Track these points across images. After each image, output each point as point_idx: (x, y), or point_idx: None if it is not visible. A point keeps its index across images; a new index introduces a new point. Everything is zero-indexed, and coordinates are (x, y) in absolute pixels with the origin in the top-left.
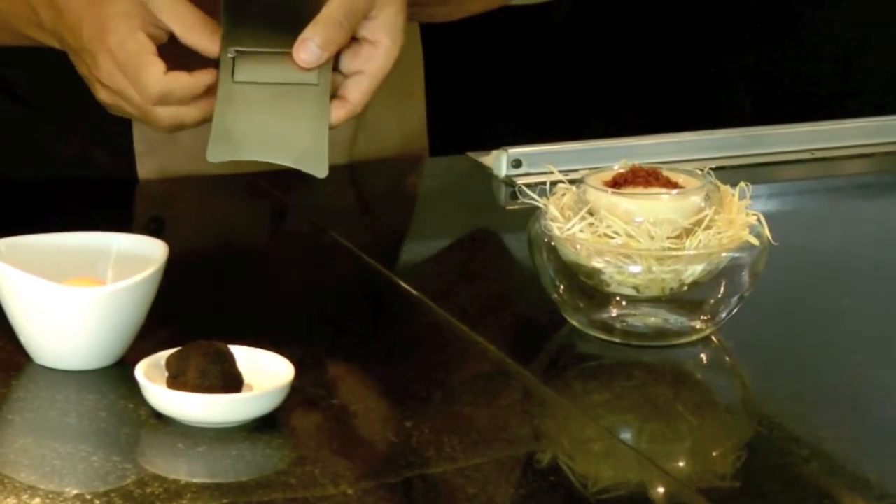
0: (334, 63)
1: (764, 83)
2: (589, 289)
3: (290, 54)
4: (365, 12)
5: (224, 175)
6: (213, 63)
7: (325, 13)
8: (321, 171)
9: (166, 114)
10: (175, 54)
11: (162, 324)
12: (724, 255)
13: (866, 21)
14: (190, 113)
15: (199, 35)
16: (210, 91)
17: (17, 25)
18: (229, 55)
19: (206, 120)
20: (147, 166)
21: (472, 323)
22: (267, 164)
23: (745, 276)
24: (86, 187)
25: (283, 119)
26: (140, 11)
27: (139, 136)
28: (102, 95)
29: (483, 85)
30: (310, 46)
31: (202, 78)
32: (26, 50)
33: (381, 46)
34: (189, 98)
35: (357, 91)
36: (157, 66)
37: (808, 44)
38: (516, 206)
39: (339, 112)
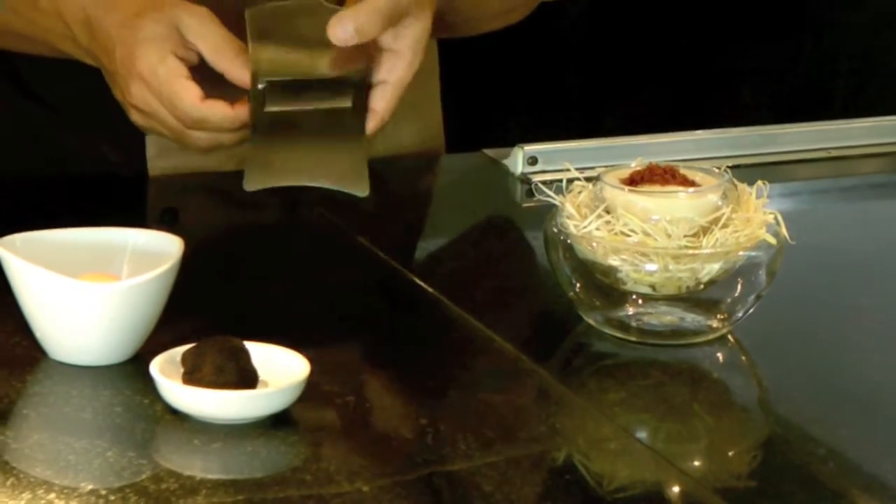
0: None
1: (780, 82)
2: (605, 287)
3: (321, 80)
4: (403, 16)
5: (237, 171)
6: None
7: (369, 4)
8: (363, 190)
9: (202, 136)
10: (210, 75)
11: (177, 319)
12: (740, 253)
13: (884, 20)
14: (227, 136)
15: (227, 60)
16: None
17: (54, 42)
18: (259, 86)
19: (244, 141)
20: (158, 169)
21: (487, 320)
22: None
23: (762, 275)
24: (98, 183)
25: (319, 142)
26: (170, 34)
27: (152, 139)
28: (136, 118)
29: (499, 82)
30: (346, 24)
31: (240, 112)
32: None
33: (404, 57)
34: (226, 128)
35: (382, 100)
36: (190, 90)
37: (826, 42)
38: (532, 204)
39: (368, 123)
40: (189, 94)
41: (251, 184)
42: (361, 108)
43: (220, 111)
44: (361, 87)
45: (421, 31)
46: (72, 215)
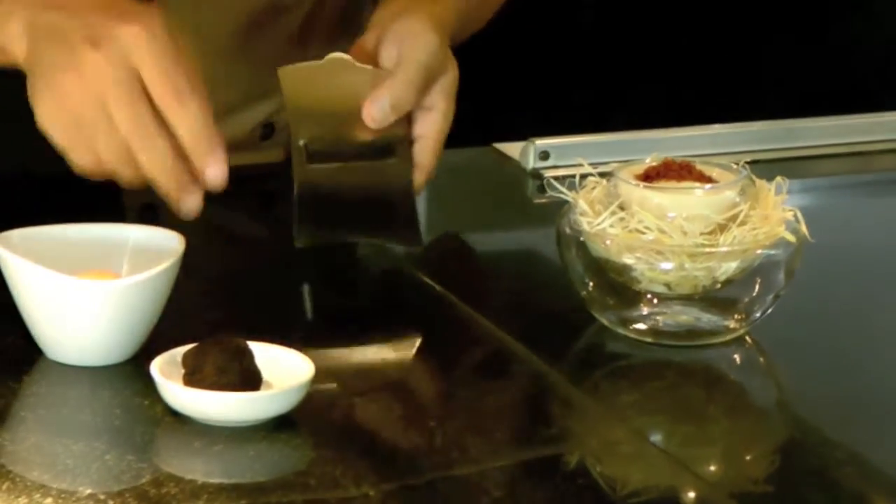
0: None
1: (800, 74)
2: (619, 286)
3: (362, 130)
4: (436, 78)
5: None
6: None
7: (401, 75)
8: (417, 243)
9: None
10: None
11: (178, 319)
12: (758, 252)
13: None
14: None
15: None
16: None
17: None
18: (300, 143)
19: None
20: None
21: (497, 320)
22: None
23: (781, 274)
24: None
25: (367, 196)
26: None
27: None
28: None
29: (510, 73)
30: (381, 104)
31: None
32: None
33: (438, 111)
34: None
35: (427, 154)
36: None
37: (848, 36)
38: (544, 200)
39: (415, 177)
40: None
41: (302, 240)
42: (406, 158)
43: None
44: (404, 140)
45: (451, 81)
46: (57, 213)
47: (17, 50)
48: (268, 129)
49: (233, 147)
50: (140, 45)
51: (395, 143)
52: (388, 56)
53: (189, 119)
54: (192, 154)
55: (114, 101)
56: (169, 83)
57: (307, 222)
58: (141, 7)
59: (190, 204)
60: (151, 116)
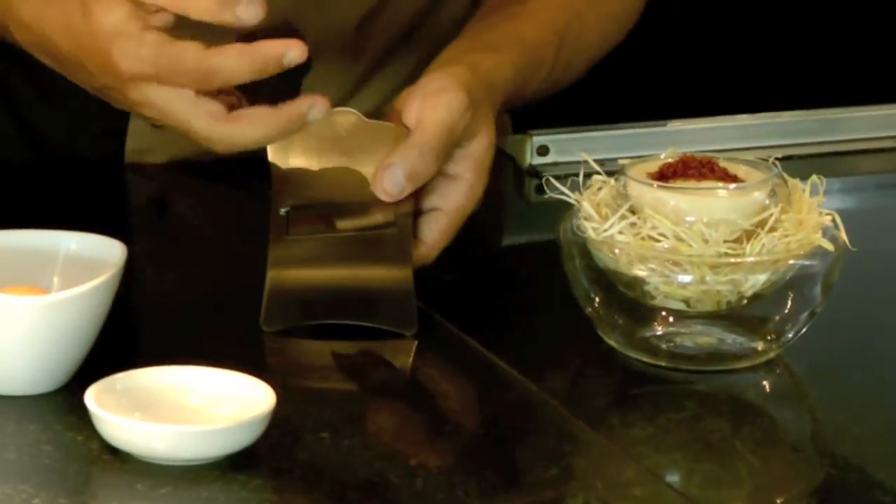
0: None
1: (840, 57)
2: (630, 302)
3: (360, 195)
4: (461, 142)
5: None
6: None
7: (419, 137)
8: (409, 328)
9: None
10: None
11: (118, 341)
12: (791, 262)
13: None
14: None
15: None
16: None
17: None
18: (281, 211)
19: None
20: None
21: (489, 341)
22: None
23: (817, 289)
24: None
25: (355, 272)
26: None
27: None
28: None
29: None
30: (395, 174)
31: (262, 49)
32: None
33: (464, 182)
34: (246, 71)
35: (434, 230)
36: (187, 44)
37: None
38: (543, 202)
39: (418, 253)
40: (188, 47)
41: (272, 322)
42: (406, 231)
43: (232, 53)
44: (409, 206)
45: (484, 150)
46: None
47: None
48: None
49: None
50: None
51: (394, 211)
52: (408, 117)
53: None
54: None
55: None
56: None
57: (279, 303)
58: None
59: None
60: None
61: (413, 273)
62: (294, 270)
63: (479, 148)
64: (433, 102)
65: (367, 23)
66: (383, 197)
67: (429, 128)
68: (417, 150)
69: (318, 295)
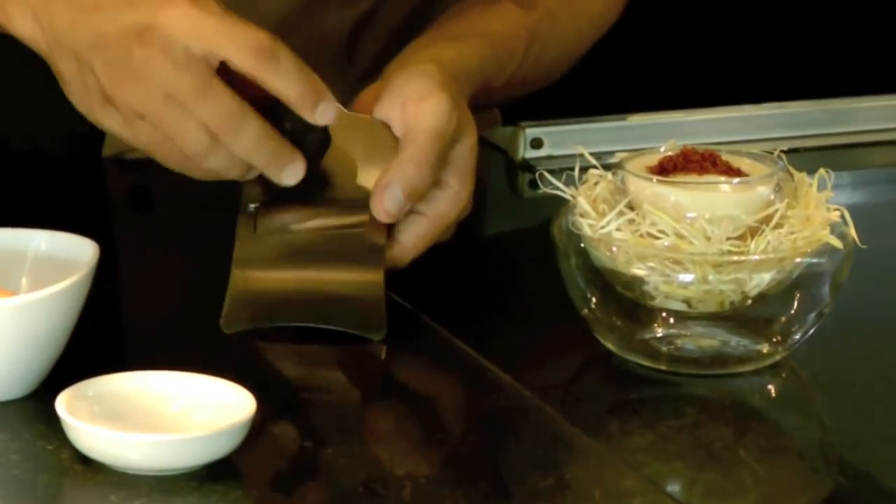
0: None
1: (848, 45)
2: (628, 303)
3: (326, 198)
4: (451, 147)
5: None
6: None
7: (412, 151)
8: (378, 334)
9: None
10: None
11: (90, 344)
12: (798, 260)
13: None
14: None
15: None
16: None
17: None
18: (250, 208)
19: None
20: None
21: (479, 345)
22: None
23: (825, 288)
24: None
25: (323, 273)
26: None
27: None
28: (115, 124)
29: None
30: (394, 193)
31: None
32: None
33: (448, 189)
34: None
35: (412, 234)
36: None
37: None
38: (537, 197)
39: (392, 254)
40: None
41: (231, 323)
42: (380, 231)
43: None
44: None
45: (468, 153)
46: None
47: (37, 47)
48: None
49: None
50: (192, 25)
51: (369, 209)
52: (393, 126)
53: (285, 70)
54: (301, 105)
55: (184, 94)
56: (247, 46)
57: (241, 304)
58: None
59: (294, 171)
60: (229, 97)
61: (385, 276)
62: (259, 270)
63: (463, 151)
64: (416, 110)
65: (360, 28)
66: (383, 218)
67: (420, 139)
68: (414, 166)
69: (283, 296)
